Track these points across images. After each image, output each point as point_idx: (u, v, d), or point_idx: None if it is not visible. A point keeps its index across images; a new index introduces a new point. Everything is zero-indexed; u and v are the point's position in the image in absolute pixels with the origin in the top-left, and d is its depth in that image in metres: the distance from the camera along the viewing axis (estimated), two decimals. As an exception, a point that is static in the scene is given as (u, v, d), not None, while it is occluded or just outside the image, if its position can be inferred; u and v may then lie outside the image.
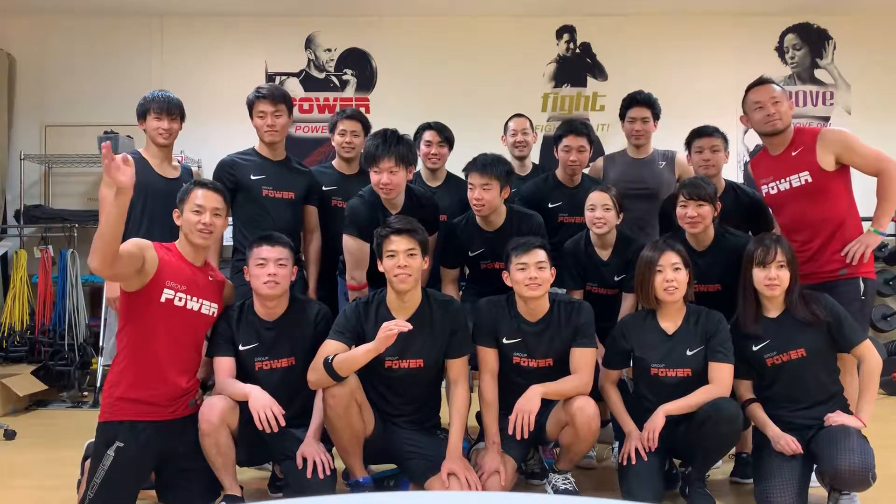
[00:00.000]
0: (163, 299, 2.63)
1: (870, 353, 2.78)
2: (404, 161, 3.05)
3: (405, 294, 2.80)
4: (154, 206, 3.18)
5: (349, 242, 3.12)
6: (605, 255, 3.31)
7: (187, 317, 2.70)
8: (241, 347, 2.82)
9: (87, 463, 2.79)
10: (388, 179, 3.03)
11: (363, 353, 2.63)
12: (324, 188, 3.54)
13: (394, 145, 3.02)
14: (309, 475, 2.65)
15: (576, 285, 3.31)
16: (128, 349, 2.67)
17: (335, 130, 3.65)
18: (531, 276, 2.84)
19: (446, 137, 3.77)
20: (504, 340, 2.90)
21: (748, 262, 2.85)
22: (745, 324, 2.83)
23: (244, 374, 2.82)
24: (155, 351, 2.64)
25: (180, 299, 2.67)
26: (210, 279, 2.81)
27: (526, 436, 2.72)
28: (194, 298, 2.71)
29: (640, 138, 3.78)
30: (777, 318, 2.81)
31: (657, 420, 2.73)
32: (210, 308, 2.77)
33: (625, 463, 2.77)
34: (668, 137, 3.94)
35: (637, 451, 2.75)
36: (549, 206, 3.53)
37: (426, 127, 3.81)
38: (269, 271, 2.78)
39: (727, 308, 3.02)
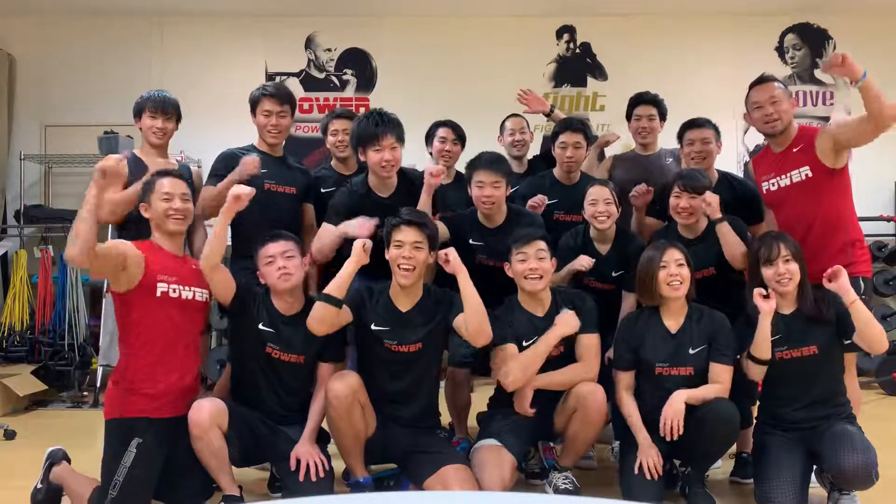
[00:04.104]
0: (159, 293, 2.65)
1: None
2: (401, 139, 3.13)
3: (408, 287, 2.85)
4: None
5: (327, 228, 3.17)
6: (603, 249, 3.32)
7: (185, 306, 2.72)
8: (259, 326, 2.85)
9: (56, 469, 2.80)
10: (390, 156, 3.08)
11: (347, 270, 2.75)
12: (323, 190, 3.54)
13: (391, 123, 3.10)
14: (301, 478, 2.66)
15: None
16: (132, 344, 2.67)
17: (327, 132, 3.69)
18: (531, 266, 2.87)
19: (460, 136, 3.82)
20: (524, 343, 2.90)
21: (754, 262, 2.86)
22: (755, 321, 2.82)
23: (257, 350, 2.85)
24: (161, 344, 2.66)
25: (174, 290, 2.69)
26: (194, 267, 2.82)
27: (530, 412, 2.81)
28: (187, 287, 2.72)
29: (647, 136, 3.82)
30: (790, 314, 2.81)
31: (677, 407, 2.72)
32: (203, 294, 2.79)
33: (636, 472, 2.74)
34: (668, 137, 3.94)
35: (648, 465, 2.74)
36: (546, 202, 3.54)
37: (441, 124, 3.85)
38: (279, 265, 2.81)
39: (724, 291, 3.06)
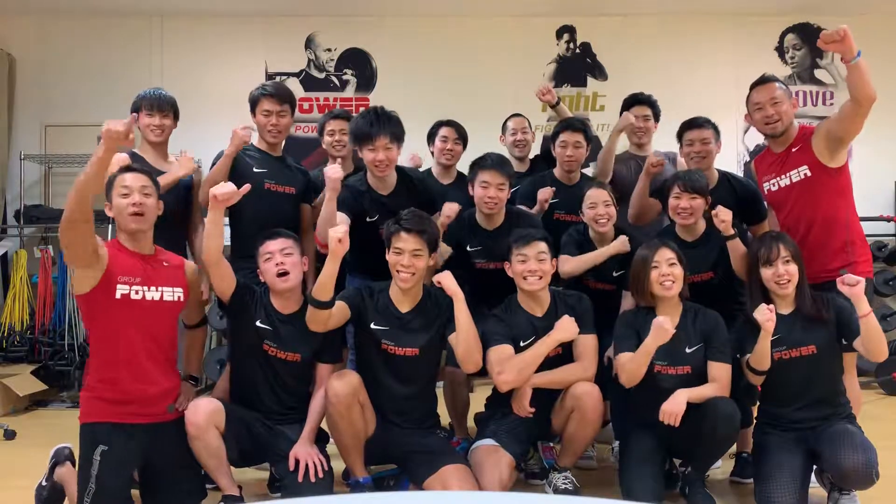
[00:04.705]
0: (118, 295, 2.55)
1: None
2: (397, 138, 3.10)
3: (407, 290, 2.86)
4: None
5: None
6: None
7: (150, 308, 2.61)
8: (257, 323, 2.84)
9: (59, 469, 2.79)
10: (383, 156, 3.06)
11: (328, 270, 2.66)
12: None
13: (387, 123, 3.07)
14: (300, 478, 2.66)
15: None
16: (97, 350, 2.62)
17: (324, 132, 3.70)
18: (531, 268, 2.87)
19: (462, 135, 3.83)
20: (521, 343, 2.91)
21: (753, 262, 2.86)
22: (754, 322, 2.82)
23: (254, 348, 2.85)
24: (124, 349, 2.57)
25: (137, 292, 2.58)
26: (166, 265, 2.73)
27: (529, 411, 2.79)
28: (153, 288, 2.62)
29: (642, 136, 3.85)
30: (788, 315, 2.81)
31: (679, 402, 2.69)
32: (174, 293, 2.69)
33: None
34: (668, 138, 3.94)
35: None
36: (553, 192, 3.54)
37: (443, 123, 3.86)
38: (277, 261, 2.81)
39: (721, 295, 3.06)
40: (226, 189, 2.66)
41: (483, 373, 3.01)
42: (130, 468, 2.60)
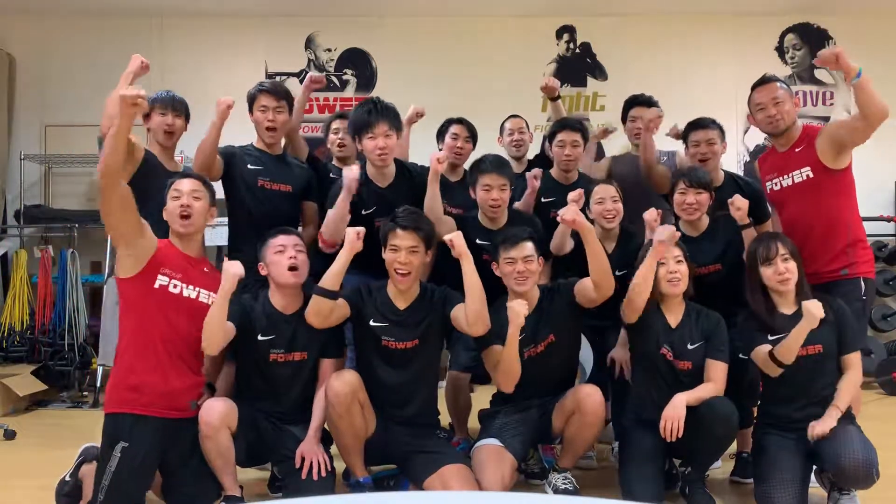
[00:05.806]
0: (157, 285, 2.63)
1: (857, 364, 2.80)
2: (396, 127, 3.12)
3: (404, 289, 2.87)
4: (160, 197, 3.16)
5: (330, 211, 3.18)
6: (608, 247, 3.30)
7: (185, 304, 2.68)
8: (259, 337, 2.83)
9: (85, 466, 2.79)
10: (384, 143, 3.07)
11: (340, 261, 2.75)
12: (332, 175, 3.54)
13: (385, 111, 3.09)
14: (304, 476, 2.66)
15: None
16: (129, 336, 2.67)
17: (329, 131, 3.71)
18: (519, 270, 2.87)
19: (472, 134, 3.84)
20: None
21: (752, 263, 2.86)
22: (759, 320, 2.82)
23: (257, 363, 2.84)
24: (155, 338, 2.63)
25: (175, 286, 2.66)
26: (206, 271, 2.81)
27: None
28: (191, 286, 2.70)
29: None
30: (792, 314, 2.80)
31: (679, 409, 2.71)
32: (210, 297, 2.73)
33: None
34: (668, 137, 3.95)
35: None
36: (542, 199, 3.53)
37: (454, 121, 3.86)
38: (290, 254, 2.81)
39: (727, 289, 3.05)
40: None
41: (485, 381, 2.99)
42: (151, 467, 2.61)
